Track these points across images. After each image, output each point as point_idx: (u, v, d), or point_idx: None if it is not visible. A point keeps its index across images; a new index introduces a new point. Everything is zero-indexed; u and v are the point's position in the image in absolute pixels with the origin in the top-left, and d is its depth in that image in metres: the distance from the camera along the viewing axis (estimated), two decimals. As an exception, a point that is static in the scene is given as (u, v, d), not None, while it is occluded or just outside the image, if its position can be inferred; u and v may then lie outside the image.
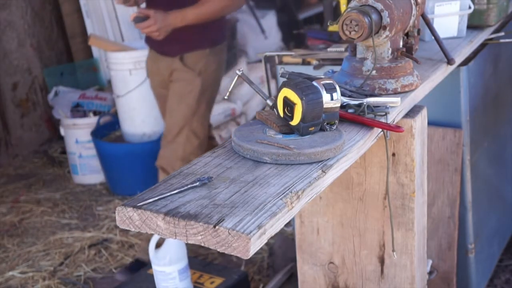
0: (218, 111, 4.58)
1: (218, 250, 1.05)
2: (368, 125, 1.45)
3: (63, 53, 5.50)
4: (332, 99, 1.32)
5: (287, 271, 3.03)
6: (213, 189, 1.17)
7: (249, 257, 1.05)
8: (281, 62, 2.67)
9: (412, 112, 1.67)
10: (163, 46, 3.11)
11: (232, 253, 1.04)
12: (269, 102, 1.41)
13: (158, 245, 2.60)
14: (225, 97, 1.65)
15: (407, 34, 1.72)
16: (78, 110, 4.67)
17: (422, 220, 1.79)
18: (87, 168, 4.49)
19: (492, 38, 2.44)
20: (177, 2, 2.93)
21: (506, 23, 2.63)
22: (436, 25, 2.05)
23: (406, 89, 1.63)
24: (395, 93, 1.61)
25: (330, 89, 1.32)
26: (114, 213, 1.19)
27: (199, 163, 1.29)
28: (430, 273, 2.04)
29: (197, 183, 1.17)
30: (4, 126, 5.06)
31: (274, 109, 1.38)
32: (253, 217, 1.07)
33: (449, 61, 1.87)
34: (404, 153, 1.68)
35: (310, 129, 1.31)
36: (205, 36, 3.05)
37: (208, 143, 3.30)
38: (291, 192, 1.15)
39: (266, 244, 3.32)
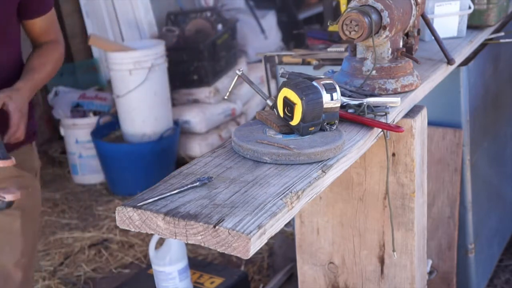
0: (218, 111, 4.58)
1: (218, 250, 1.05)
2: (368, 125, 1.45)
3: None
4: (332, 99, 1.32)
5: (287, 271, 3.03)
6: (213, 189, 1.17)
7: (249, 257, 1.05)
8: (281, 62, 2.67)
9: (412, 112, 1.67)
10: None
11: (232, 253, 1.04)
12: (269, 102, 1.41)
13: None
14: (225, 97, 1.65)
15: (407, 34, 1.72)
16: (78, 110, 4.65)
17: (422, 220, 1.79)
18: (87, 168, 4.48)
19: (492, 38, 2.44)
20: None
21: (506, 23, 2.63)
22: (436, 25, 2.05)
23: (406, 89, 1.63)
24: (395, 93, 1.61)
25: (330, 89, 1.32)
26: (114, 213, 1.18)
27: (199, 163, 1.29)
28: (430, 273, 2.04)
29: (197, 183, 1.17)
30: (4, 126, 5.05)
31: (274, 109, 1.38)
32: (253, 217, 1.07)
33: (449, 61, 1.87)
34: (404, 153, 1.68)
35: (310, 129, 1.31)
36: (29, 126, 2.08)
37: None
38: (291, 192, 1.15)
39: (266, 244, 3.31)
